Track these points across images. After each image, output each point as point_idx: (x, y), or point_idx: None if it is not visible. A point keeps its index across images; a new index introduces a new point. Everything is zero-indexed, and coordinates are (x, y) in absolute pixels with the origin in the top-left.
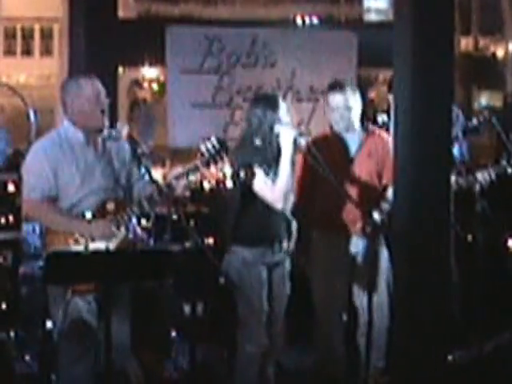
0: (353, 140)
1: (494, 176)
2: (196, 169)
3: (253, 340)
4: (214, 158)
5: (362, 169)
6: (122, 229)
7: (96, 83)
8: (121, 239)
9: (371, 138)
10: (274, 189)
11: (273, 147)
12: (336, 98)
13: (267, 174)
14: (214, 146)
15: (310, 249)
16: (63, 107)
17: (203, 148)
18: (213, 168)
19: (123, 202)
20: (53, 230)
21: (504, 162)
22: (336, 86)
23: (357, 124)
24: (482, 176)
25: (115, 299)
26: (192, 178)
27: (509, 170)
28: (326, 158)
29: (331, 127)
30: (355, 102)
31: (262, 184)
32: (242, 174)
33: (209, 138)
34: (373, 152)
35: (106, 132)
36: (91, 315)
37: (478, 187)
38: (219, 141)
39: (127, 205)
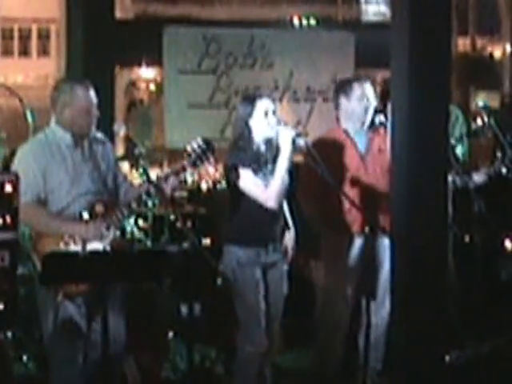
0: (361, 138)
1: (486, 177)
2: (183, 169)
3: (252, 340)
4: (200, 159)
5: (376, 165)
6: (112, 230)
7: (90, 93)
8: (110, 241)
9: (377, 134)
10: (268, 188)
11: (268, 147)
12: (362, 89)
13: (256, 173)
14: (199, 146)
15: (315, 249)
16: (52, 106)
17: (189, 148)
18: (210, 168)
19: (112, 204)
20: (43, 233)
21: (498, 163)
22: (360, 77)
23: (367, 122)
24: (476, 176)
25: (109, 299)
26: (185, 178)
27: (503, 171)
28: (337, 157)
29: (339, 125)
30: (373, 98)
31: (251, 184)
32: (232, 174)
33: (195, 139)
34: (382, 148)
35: (91, 134)
36: (81, 318)
37: (472, 187)
38: (205, 141)
39: (116, 206)
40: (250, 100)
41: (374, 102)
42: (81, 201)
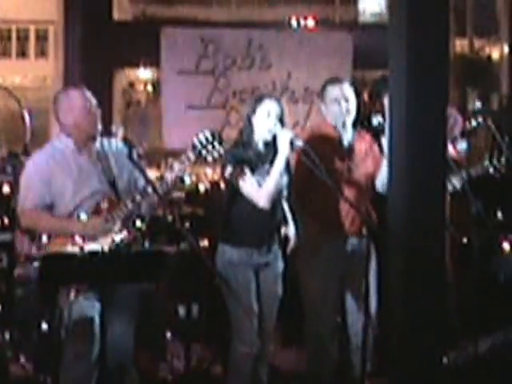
0: (346, 139)
1: (473, 175)
2: (187, 159)
3: (245, 340)
4: (206, 149)
5: (361, 168)
6: (117, 224)
7: (86, 94)
8: (116, 234)
9: (361, 138)
10: (262, 188)
11: (267, 147)
12: (336, 90)
13: (253, 172)
14: (206, 138)
15: (304, 248)
16: (56, 118)
17: (195, 139)
18: (208, 169)
19: (117, 201)
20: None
21: (486, 163)
22: (336, 79)
23: (350, 122)
24: (464, 174)
25: (118, 302)
26: (187, 178)
27: (491, 170)
28: (323, 153)
29: (328, 123)
30: (353, 97)
31: (246, 182)
32: (229, 172)
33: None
34: (368, 152)
35: (98, 142)
36: (95, 313)
37: (458, 186)
38: (213, 133)
39: (121, 202)
40: (257, 99)
41: (352, 104)
42: (89, 202)
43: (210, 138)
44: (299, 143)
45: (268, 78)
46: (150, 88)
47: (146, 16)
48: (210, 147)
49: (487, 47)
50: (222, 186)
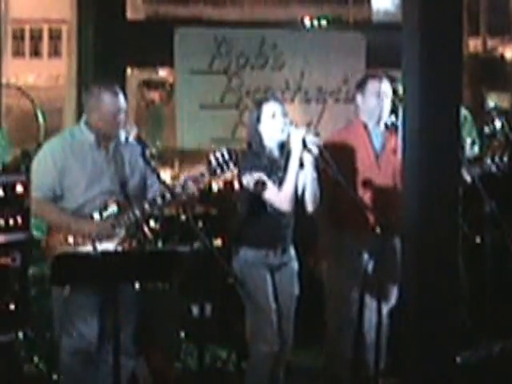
0: (377, 136)
1: (476, 173)
2: (201, 176)
3: (266, 339)
4: (221, 168)
5: (389, 165)
6: (122, 230)
7: (119, 98)
8: (120, 240)
9: (394, 135)
10: (282, 191)
11: (281, 151)
12: (377, 85)
13: (270, 177)
14: (222, 156)
15: (325, 250)
16: (85, 107)
17: (211, 157)
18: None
19: (126, 204)
20: (54, 231)
21: (488, 161)
22: (377, 74)
23: (384, 119)
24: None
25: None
26: (205, 186)
27: (493, 169)
28: (352, 152)
29: (359, 120)
30: (390, 95)
31: (269, 190)
32: (250, 182)
33: (219, 149)
34: (396, 149)
35: (120, 137)
36: (91, 310)
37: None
38: (229, 151)
39: (130, 207)
40: (258, 105)
41: (389, 101)
42: (98, 200)
43: (227, 156)
44: (312, 142)
45: (281, 78)
46: (163, 87)
47: (159, 15)
48: (224, 166)
49: (500, 46)
50: (236, 185)
